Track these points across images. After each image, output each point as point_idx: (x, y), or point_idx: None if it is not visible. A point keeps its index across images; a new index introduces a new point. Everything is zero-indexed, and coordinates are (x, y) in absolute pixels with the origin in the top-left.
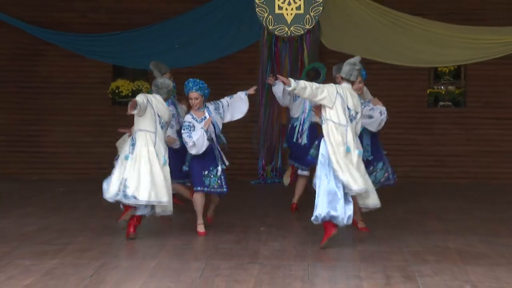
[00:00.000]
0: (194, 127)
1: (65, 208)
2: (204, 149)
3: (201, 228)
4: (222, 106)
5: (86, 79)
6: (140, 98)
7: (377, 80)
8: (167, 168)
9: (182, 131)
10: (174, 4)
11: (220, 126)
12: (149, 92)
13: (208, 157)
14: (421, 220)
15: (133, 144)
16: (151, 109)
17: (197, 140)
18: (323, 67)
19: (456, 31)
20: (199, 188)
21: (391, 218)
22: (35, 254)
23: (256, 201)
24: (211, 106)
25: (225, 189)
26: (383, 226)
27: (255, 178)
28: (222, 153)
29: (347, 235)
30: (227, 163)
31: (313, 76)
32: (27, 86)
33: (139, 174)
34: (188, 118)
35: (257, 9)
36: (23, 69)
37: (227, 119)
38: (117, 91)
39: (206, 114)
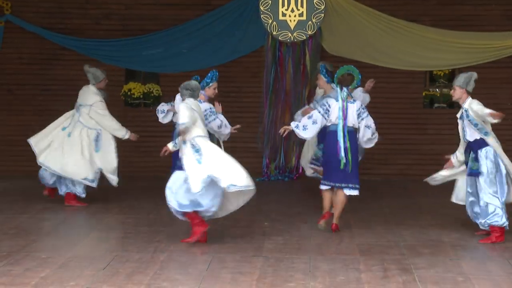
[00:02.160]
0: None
1: (80, 205)
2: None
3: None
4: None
5: None
6: (186, 119)
7: (374, 83)
8: None
9: (210, 117)
10: (183, 11)
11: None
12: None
13: None
14: (416, 215)
15: (197, 150)
16: (198, 115)
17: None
18: (356, 71)
19: (450, 36)
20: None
21: (388, 214)
22: (52, 248)
23: (260, 197)
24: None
25: None
26: (381, 221)
27: (259, 176)
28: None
29: (347, 230)
30: None
31: (350, 80)
32: (46, 89)
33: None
34: (207, 106)
35: (262, 16)
36: (41, 73)
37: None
38: (129, 93)
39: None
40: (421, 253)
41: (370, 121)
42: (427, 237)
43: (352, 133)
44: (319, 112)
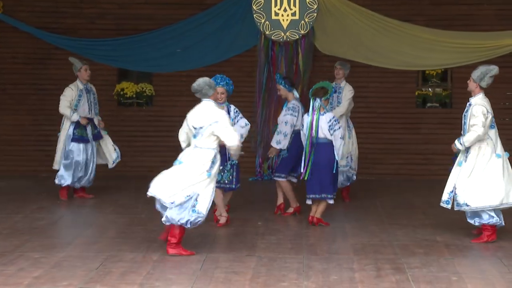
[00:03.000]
0: None
1: (74, 204)
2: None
3: (222, 220)
4: (236, 118)
5: (92, 82)
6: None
7: (367, 82)
8: None
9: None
10: (177, 10)
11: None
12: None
13: (222, 153)
14: (409, 215)
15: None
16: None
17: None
18: (331, 86)
19: (443, 36)
20: None
21: (381, 214)
22: (45, 247)
23: (253, 197)
24: (232, 108)
25: (234, 186)
26: (374, 220)
27: (253, 175)
28: None
29: (340, 230)
30: (233, 162)
31: (323, 93)
32: (40, 88)
33: None
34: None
35: (254, 16)
36: (35, 72)
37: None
38: (121, 92)
39: (225, 109)
40: (415, 253)
41: (341, 133)
42: (421, 236)
43: (325, 145)
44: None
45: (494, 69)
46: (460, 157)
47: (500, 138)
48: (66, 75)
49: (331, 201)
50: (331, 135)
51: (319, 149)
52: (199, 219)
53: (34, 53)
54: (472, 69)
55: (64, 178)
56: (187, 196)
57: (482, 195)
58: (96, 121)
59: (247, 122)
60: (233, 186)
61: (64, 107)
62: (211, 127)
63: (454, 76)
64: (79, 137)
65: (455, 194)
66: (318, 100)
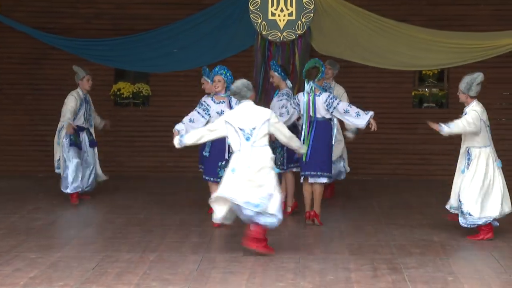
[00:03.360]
0: (209, 106)
1: (71, 204)
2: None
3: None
4: None
5: None
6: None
7: (364, 82)
8: None
9: (197, 107)
10: (174, 10)
11: None
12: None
13: (221, 148)
14: (406, 215)
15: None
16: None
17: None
18: (321, 62)
19: (439, 36)
20: (212, 179)
21: (378, 214)
22: (41, 248)
23: None
24: (234, 100)
25: None
26: (371, 220)
27: None
28: None
29: (337, 230)
30: None
31: (315, 74)
32: (36, 88)
33: None
34: (207, 99)
35: (251, 16)
36: (31, 72)
37: None
38: (118, 93)
39: (227, 100)
40: (411, 253)
41: (343, 106)
42: (417, 236)
43: (322, 123)
44: (291, 105)
45: (479, 76)
46: (461, 164)
47: (496, 138)
48: (62, 75)
49: (326, 180)
50: (331, 113)
51: (317, 127)
52: (275, 221)
53: (30, 53)
54: (468, 69)
55: (72, 184)
56: (263, 197)
57: (485, 206)
58: (92, 130)
59: None
60: None
61: (68, 112)
62: (264, 126)
63: (450, 76)
64: (74, 143)
65: (459, 201)
66: (311, 82)
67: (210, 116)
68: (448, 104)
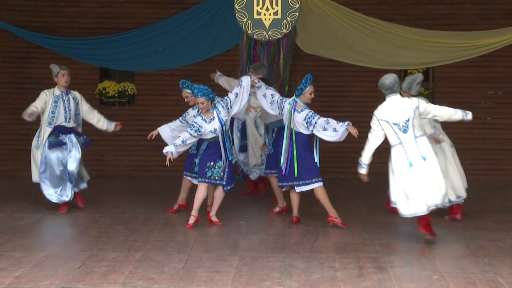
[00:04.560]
0: (201, 127)
1: (55, 204)
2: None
3: (190, 219)
4: (230, 102)
5: (74, 81)
6: None
7: (349, 81)
8: None
9: (189, 129)
10: (159, 9)
11: (228, 121)
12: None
13: (217, 149)
14: (391, 214)
15: None
16: None
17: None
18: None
19: (425, 35)
20: (200, 179)
21: (363, 212)
22: (26, 247)
23: (236, 196)
24: (219, 105)
25: (224, 183)
26: (356, 219)
27: (236, 174)
28: (230, 147)
29: (322, 229)
30: (230, 158)
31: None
32: (20, 87)
33: None
34: (198, 120)
35: (236, 15)
36: (16, 71)
37: (234, 111)
38: (103, 91)
39: (215, 114)
40: (397, 251)
41: (321, 123)
42: (403, 235)
43: (302, 136)
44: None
45: (418, 77)
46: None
47: (481, 137)
48: (46, 74)
49: (318, 184)
50: (312, 131)
51: (297, 139)
52: None
53: (14, 51)
54: (454, 68)
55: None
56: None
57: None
58: (80, 130)
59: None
60: (224, 183)
61: (31, 106)
62: (416, 115)
63: (436, 75)
64: (55, 142)
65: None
66: (294, 97)
67: (202, 135)
68: (434, 103)
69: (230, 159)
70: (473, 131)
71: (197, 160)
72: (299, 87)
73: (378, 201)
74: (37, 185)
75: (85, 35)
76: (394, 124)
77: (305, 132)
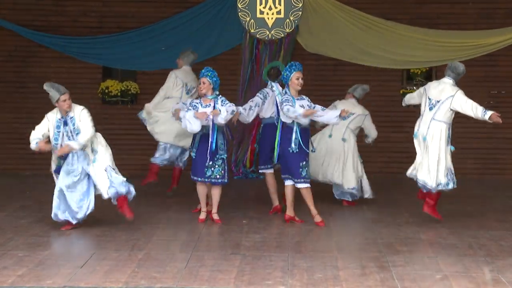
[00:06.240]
0: (196, 108)
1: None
2: (194, 129)
3: (202, 215)
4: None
5: (77, 80)
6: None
7: (352, 81)
8: None
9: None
10: (161, 8)
11: (227, 118)
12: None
13: (211, 147)
14: (394, 213)
15: None
16: None
17: (189, 118)
18: (282, 65)
19: (427, 35)
20: (199, 179)
21: (366, 212)
22: (29, 246)
23: (238, 195)
24: (220, 100)
25: (226, 180)
26: (359, 219)
27: (236, 174)
28: (226, 143)
29: (325, 228)
30: (219, 154)
31: (276, 75)
32: (22, 86)
33: None
34: (196, 101)
35: (239, 14)
36: (18, 70)
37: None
38: (106, 91)
39: (213, 103)
40: (399, 251)
41: (284, 109)
42: (405, 234)
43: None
44: (259, 97)
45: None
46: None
47: (484, 136)
48: (49, 73)
49: (304, 185)
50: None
51: (284, 132)
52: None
53: (16, 50)
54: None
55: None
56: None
57: None
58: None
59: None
60: (226, 181)
61: (32, 137)
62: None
63: (438, 74)
64: (58, 167)
65: None
66: (273, 84)
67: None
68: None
69: (224, 157)
70: (476, 130)
71: (193, 154)
72: (283, 75)
73: (380, 200)
74: (40, 184)
75: (88, 34)
76: (429, 98)
77: (286, 120)
